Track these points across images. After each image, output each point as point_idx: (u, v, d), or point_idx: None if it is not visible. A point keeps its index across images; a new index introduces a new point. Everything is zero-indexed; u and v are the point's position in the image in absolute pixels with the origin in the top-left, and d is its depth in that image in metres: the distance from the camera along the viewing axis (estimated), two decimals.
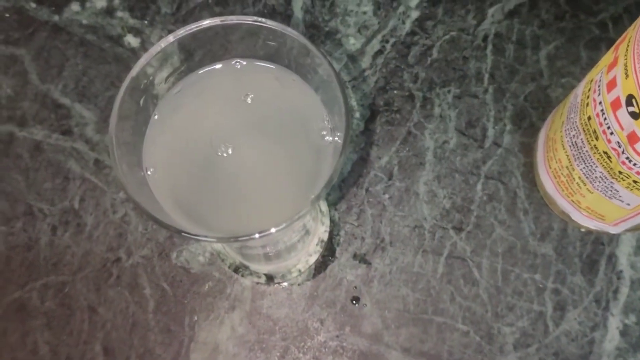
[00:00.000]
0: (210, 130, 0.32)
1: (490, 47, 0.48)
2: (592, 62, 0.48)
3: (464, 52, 0.48)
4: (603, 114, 0.33)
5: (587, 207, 0.40)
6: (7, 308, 0.43)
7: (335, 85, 0.28)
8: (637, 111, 0.30)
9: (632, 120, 0.31)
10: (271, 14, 0.50)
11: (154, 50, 0.30)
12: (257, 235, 0.27)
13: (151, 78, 0.30)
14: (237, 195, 0.32)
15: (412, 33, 0.49)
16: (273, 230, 0.27)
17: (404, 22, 0.49)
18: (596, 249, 0.44)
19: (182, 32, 0.30)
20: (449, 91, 0.47)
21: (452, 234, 0.44)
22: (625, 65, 0.31)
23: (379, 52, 0.49)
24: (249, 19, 0.30)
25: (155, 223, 0.28)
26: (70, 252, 0.44)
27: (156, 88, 0.31)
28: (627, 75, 0.31)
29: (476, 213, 0.45)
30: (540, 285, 0.43)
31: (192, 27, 0.30)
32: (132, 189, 0.28)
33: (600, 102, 0.34)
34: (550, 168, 0.41)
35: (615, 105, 0.32)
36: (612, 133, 0.33)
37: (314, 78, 0.31)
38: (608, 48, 0.48)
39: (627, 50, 0.31)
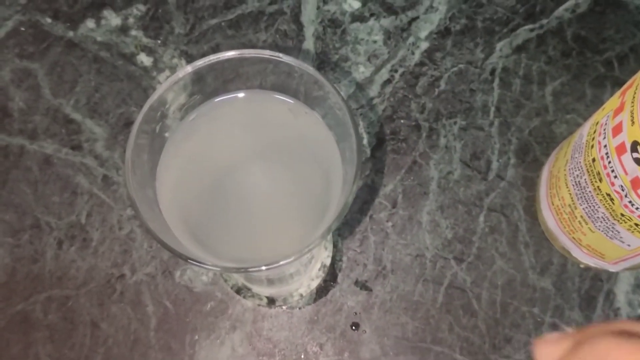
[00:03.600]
0: (222, 157, 0.33)
1: (497, 80, 0.49)
2: (597, 100, 0.48)
3: (471, 84, 0.49)
4: (608, 157, 0.34)
5: (588, 245, 0.41)
6: (10, 319, 0.44)
7: (349, 122, 0.29)
8: None
9: (636, 166, 0.32)
10: (283, 39, 0.51)
11: (173, 79, 0.30)
12: (264, 268, 0.28)
13: (167, 105, 0.31)
14: (246, 223, 0.33)
15: (421, 64, 0.50)
16: (281, 262, 0.28)
17: (413, 53, 0.50)
18: (595, 285, 0.44)
19: (201, 62, 0.30)
20: (455, 122, 0.48)
21: (453, 264, 0.45)
22: (632, 112, 0.32)
23: (388, 81, 0.49)
24: (266, 53, 0.30)
25: (164, 248, 0.28)
26: (75, 267, 0.45)
27: (172, 115, 0.32)
28: (633, 122, 0.31)
29: (477, 244, 0.45)
30: (539, 319, 0.43)
31: (211, 59, 0.30)
32: (143, 211, 0.29)
33: (605, 145, 0.34)
34: (553, 204, 0.42)
35: (620, 150, 0.33)
36: (615, 177, 0.34)
37: (327, 112, 0.32)
38: (613, 86, 0.49)
39: (634, 96, 0.32)
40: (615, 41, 0.50)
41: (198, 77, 0.32)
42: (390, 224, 0.46)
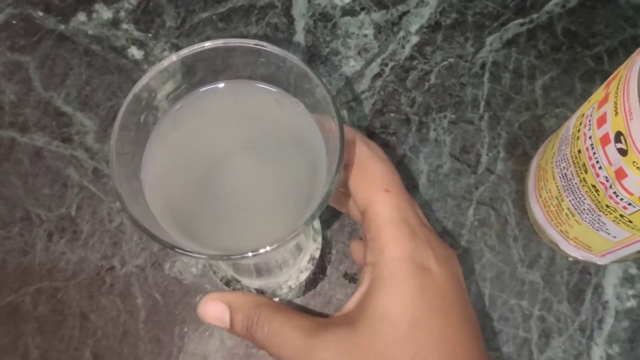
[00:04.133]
0: (208, 147, 0.33)
1: (487, 74, 0.49)
2: (586, 94, 0.49)
3: (461, 78, 0.49)
4: (593, 148, 0.34)
5: (575, 237, 0.41)
6: (0, 311, 0.44)
7: (332, 110, 0.29)
8: (625, 148, 0.31)
9: (620, 156, 0.32)
10: (274, 32, 0.51)
11: (158, 68, 0.30)
12: (250, 254, 0.28)
13: (153, 94, 0.31)
14: (232, 212, 0.33)
15: (411, 58, 0.50)
16: (267, 249, 0.28)
17: (403, 47, 0.50)
18: (583, 279, 0.44)
19: (186, 51, 0.31)
20: (444, 116, 0.48)
21: None
22: (616, 103, 0.32)
23: (378, 75, 0.50)
24: (250, 42, 0.31)
25: (149, 237, 0.28)
26: (65, 259, 0.45)
27: (157, 104, 0.32)
28: (616, 113, 0.31)
29: (467, 237, 0.45)
30: (527, 312, 0.44)
31: (196, 48, 0.31)
32: (128, 201, 0.29)
33: (590, 137, 0.34)
34: (541, 197, 0.42)
35: (605, 140, 0.33)
36: (600, 167, 0.34)
37: (312, 101, 0.32)
38: (602, 81, 0.48)
39: (617, 88, 0.32)
40: (605, 36, 0.50)
41: (184, 67, 0.32)
42: None
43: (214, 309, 0.34)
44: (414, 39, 0.51)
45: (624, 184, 0.32)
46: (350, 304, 0.32)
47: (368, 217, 0.33)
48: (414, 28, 0.51)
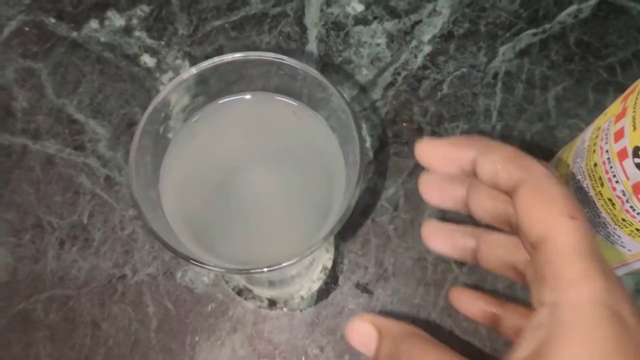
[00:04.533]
0: (225, 159, 0.33)
1: (499, 85, 0.49)
2: (599, 105, 0.49)
3: (474, 88, 0.49)
4: (609, 162, 0.34)
5: None
6: (11, 319, 0.44)
7: (352, 125, 0.29)
8: None
9: (637, 171, 0.32)
10: (286, 41, 0.51)
11: (177, 81, 0.30)
12: (265, 270, 0.28)
13: (171, 107, 0.31)
14: (248, 224, 0.33)
15: (424, 67, 0.50)
16: (283, 264, 0.28)
17: (416, 56, 0.50)
18: None
19: (205, 64, 0.31)
20: (457, 126, 0.48)
21: (454, 268, 0.45)
22: (634, 117, 0.32)
23: (391, 84, 0.50)
24: (270, 55, 0.31)
25: (167, 249, 0.28)
26: (77, 267, 0.45)
27: (176, 116, 0.32)
28: (634, 127, 0.31)
29: None
30: None
31: (215, 61, 0.31)
32: (146, 212, 0.29)
33: (607, 150, 0.34)
34: None
35: (622, 155, 0.33)
36: (617, 182, 0.34)
37: (330, 114, 0.32)
38: (615, 92, 0.49)
39: (636, 102, 0.32)
40: (618, 47, 0.50)
41: (202, 79, 0.32)
42: (392, 227, 0.46)
43: (362, 331, 0.30)
44: (427, 49, 0.51)
45: None
46: (522, 351, 0.26)
47: (547, 247, 0.27)
48: (426, 37, 0.51)
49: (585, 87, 0.49)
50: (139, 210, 0.29)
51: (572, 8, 0.51)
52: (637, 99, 0.32)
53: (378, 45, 0.51)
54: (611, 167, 0.34)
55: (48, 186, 0.47)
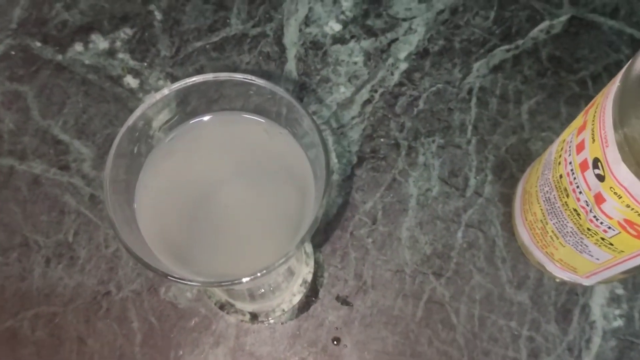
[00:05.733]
0: (200, 176, 0.34)
1: (474, 100, 0.51)
2: (571, 118, 0.50)
3: (449, 103, 0.51)
4: (573, 173, 0.35)
5: (560, 259, 0.42)
6: None
7: (317, 140, 0.30)
8: (602, 174, 0.32)
9: (598, 182, 0.33)
10: (266, 60, 0.52)
11: (150, 101, 0.31)
12: (243, 280, 0.29)
13: (147, 125, 0.32)
14: (224, 239, 0.34)
15: (400, 84, 0.51)
16: (257, 275, 0.29)
17: (392, 73, 0.52)
18: (570, 299, 0.45)
19: (177, 85, 0.32)
20: (433, 141, 0.49)
21: (432, 279, 0.46)
22: (593, 130, 0.33)
23: (368, 101, 0.51)
24: (239, 76, 0.32)
25: (142, 265, 0.29)
26: (62, 284, 0.46)
27: (151, 134, 0.33)
28: (593, 140, 0.33)
29: (456, 260, 0.46)
30: (516, 332, 0.44)
31: (187, 82, 0.32)
32: (121, 229, 0.30)
33: (570, 162, 0.35)
34: (527, 220, 0.43)
35: (584, 166, 0.34)
36: (580, 192, 0.35)
37: (300, 131, 0.33)
38: (587, 105, 0.50)
39: (594, 116, 0.33)
40: (589, 61, 0.52)
41: (179, 99, 0.33)
42: (370, 240, 0.47)
43: None
44: (403, 66, 0.52)
45: (602, 209, 0.33)
46: None
47: None
48: (402, 55, 0.52)
49: (557, 101, 0.50)
50: (114, 228, 0.30)
51: (544, 24, 0.53)
52: (596, 112, 0.33)
53: (355, 63, 0.52)
54: (575, 179, 0.35)
55: (34, 205, 0.48)
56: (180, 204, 0.34)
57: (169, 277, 0.29)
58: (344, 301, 0.46)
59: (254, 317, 0.45)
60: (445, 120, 0.50)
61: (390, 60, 0.52)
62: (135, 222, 0.32)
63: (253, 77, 0.32)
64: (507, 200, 0.48)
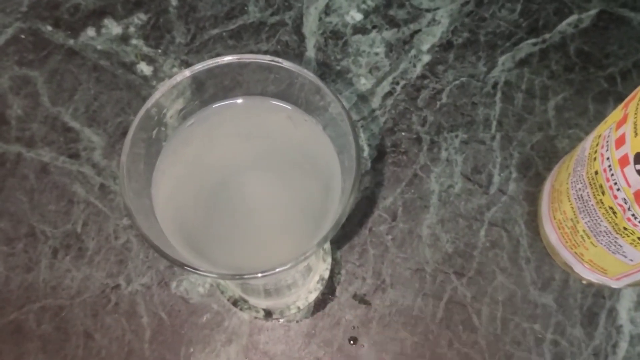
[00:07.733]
0: (219, 164, 0.33)
1: (499, 94, 0.49)
2: (599, 115, 0.48)
3: (473, 98, 0.49)
4: (610, 169, 0.34)
5: (590, 260, 0.40)
6: (3, 329, 0.43)
7: (348, 129, 0.29)
8: None
9: (639, 178, 0.31)
10: (284, 49, 0.50)
11: (170, 83, 0.30)
12: (259, 275, 0.27)
13: (164, 111, 0.31)
14: (242, 230, 0.32)
15: (423, 76, 0.50)
16: (277, 270, 0.27)
17: (415, 65, 0.50)
18: (597, 302, 0.43)
19: (199, 67, 0.30)
20: (456, 136, 0.48)
21: (453, 279, 0.44)
22: (635, 123, 0.31)
23: (389, 93, 0.49)
24: (265, 58, 0.30)
25: (159, 254, 0.28)
26: (70, 277, 0.44)
27: (168, 120, 0.31)
28: (636, 134, 0.31)
29: (478, 259, 0.45)
30: (540, 336, 0.43)
31: (209, 63, 0.30)
32: (138, 218, 0.28)
33: (608, 158, 0.34)
34: (555, 219, 0.42)
35: (623, 162, 0.32)
36: (618, 189, 0.33)
37: (326, 119, 0.31)
38: (616, 102, 0.48)
39: (637, 108, 0.31)
40: (618, 56, 0.50)
41: (197, 83, 0.31)
42: (390, 237, 0.45)
43: None
44: (426, 58, 0.50)
45: None
46: None
47: None
48: (425, 47, 0.51)
49: (585, 97, 0.49)
50: (131, 217, 0.28)
51: (572, 18, 0.51)
52: (638, 105, 0.31)
53: (377, 54, 0.50)
54: (612, 175, 0.34)
55: (42, 195, 0.46)
56: (198, 193, 0.32)
57: (185, 267, 0.28)
58: (362, 300, 0.44)
59: (268, 314, 0.43)
60: (468, 115, 0.48)
61: (413, 52, 0.50)
62: (152, 210, 0.30)
63: (280, 60, 0.30)
64: (532, 198, 0.46)
